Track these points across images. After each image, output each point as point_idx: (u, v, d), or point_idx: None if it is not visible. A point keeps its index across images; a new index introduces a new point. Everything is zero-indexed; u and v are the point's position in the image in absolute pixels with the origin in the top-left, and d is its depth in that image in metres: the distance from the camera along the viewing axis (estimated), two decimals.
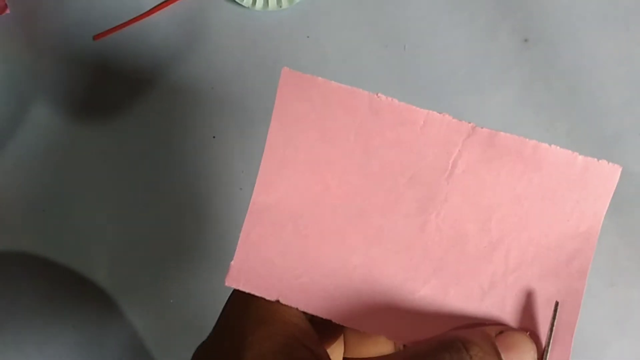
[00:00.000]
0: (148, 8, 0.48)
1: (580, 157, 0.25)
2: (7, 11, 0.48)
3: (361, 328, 0.25)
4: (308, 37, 0.48)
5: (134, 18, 0.48)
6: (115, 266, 0.47)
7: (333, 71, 0.47)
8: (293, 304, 0.25)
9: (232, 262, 0.26)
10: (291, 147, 0.25)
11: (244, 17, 0.48)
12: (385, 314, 0.25)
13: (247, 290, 0.26)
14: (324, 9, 0.48)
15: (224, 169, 0.47)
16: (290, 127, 0.25)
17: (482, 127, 0.25)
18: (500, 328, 0.24)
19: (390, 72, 0.47)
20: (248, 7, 0.47)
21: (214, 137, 0.47)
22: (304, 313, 0.26)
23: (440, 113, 0.25)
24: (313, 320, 0.26)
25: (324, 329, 0.26)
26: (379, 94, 0.25)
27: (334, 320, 0.26)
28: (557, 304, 0.25)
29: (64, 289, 0.47)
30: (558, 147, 0.25)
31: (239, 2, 0.47)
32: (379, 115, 0.25)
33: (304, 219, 0.25)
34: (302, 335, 0.24)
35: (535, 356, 0.24)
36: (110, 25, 0.48)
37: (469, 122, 0.25)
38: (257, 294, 0.26)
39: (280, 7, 0.47)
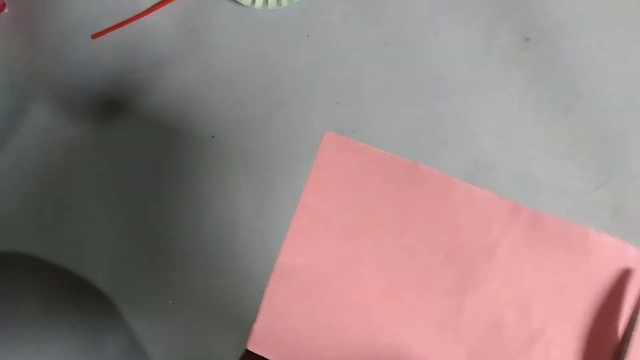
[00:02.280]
0: (147, 7, 0.47)
1: (633, 249, 0.23)
2: (6, 10, 0.47)
3: None
4: (308, 36, 0.47)
5: (133, 17, 0.47)
6: (114, 267, 0.47)
7: (333, 70, 0.47)
8: None
9: (255, 325, 0.25)
10: (325, 210, 0.24)
11: (243, 15, 0.48)
12: None
13: (269, 358, 0.24)
14: (323, 7, 0.47)
15: (224, 169, 0.47)
16: (326, 189, 0.24)
17: (526, 207, 0.24)
18: None
19: (391, 72, 0.47)
20: (247, 6, 0.47)
21: (213, 136, 0.47)
22: None
23: (481, 188, 0.24)
24: None
25: None
26: (419, 164, 0.24)
27: None
28: None
29: (63, 290, 0.47)
30: (608, 236, 0.23)
31: (238, 0, 0.47)
32: (417, 185, 0.24)
33: (333, 288, 0.24)
34: None
35: None
36: (109, 24, 0.48)
37: (512, 201, 0.24)
38: None
39: (280, 5, 0.47)
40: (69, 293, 0.47)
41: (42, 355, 0.47)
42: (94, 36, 0.48)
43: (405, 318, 0.24)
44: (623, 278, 0.23)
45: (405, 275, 0.24)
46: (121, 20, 0.47)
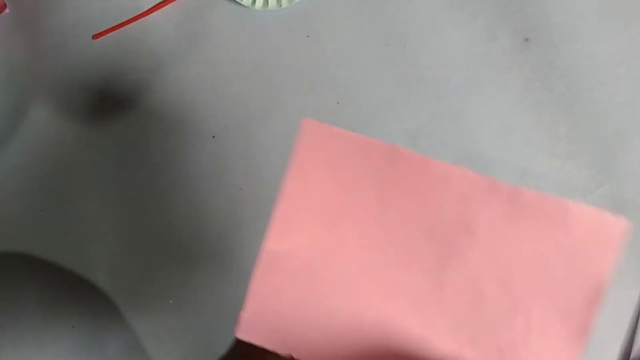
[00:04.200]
0: (147, 7, 0.48)
1: (611, 217, 0.23)
2: (7, 10, 0.47)
3: None
4: (308, 36, 0.48)
5: (134, 17, 0.48)
6: (114, 266, 0.47)
7: (333, 70, 0.47)
8: None
9: (243, 313, 0.25)
10: (307, 196, 0.25)
11: (243, 16, 0.48)
12: None
13: (259, 344, 0.25)
14: (324, 8, 0.47)
15: (224, 169, 0.47)
16: (307, 177, 0.25)
17: (502, 182, 0.24)
18: None
19: (391, 72, 0.47)
20: (248, 6, 0.47)
21: (213, 136, 0.47)
22: None
23: (459, 167, 0.24)
24: None
25: None
26: (397, 146, 0.25)
27: None
28: None
29: (64, 289, 0.47)
30: (584, 205, 0.23)
31: (238, 1, 0.47)
32: (396, 167, 0.24)
33: (318, 270, 0.25)
34: None
35: None
36: (109, 25, 0.48)
37: (488, 177, 0.24)
38: (269, 348, 0.25)
39: (280, 6, 0.47)
40: (70, 293, 0.47)
41: (43, 355, 0.47)
42: (95, 36, 0.48)
43: (389, 294, 0.25)
44: (601, 246, 0.24)
45: (387, 253, 0.25)
46: (122, 20, 0.48)
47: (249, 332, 0.25)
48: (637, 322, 0.24)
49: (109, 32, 0.48)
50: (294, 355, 0.25)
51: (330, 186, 0.25)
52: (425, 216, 0.24)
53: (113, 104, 0.48)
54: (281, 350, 0.25)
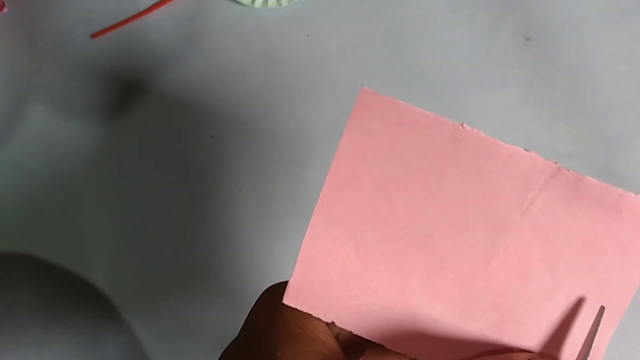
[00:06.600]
0: (146, 6, 0.47)
1: None
2: (5, 9, 0.47)
3: (413, 354, 0.25)
4: (308, 35, 0.47)
5: (133, 16, 0.47)
6: (114, 267, 0.47)
7: (333, 70, 0.47)
8: (347, 327, 0.25)
9: (291, 280, 0.25)
10: (360, 164, 0.25)
11: (243, 15, 0.47)
12: (438, 343, 0.25)
13: (304, 310, 0.25)
14: (323, 7, 0.47)
15: (224, 169, 0.47)
16: (361, 144, 0.24)
17: (568, 170, 0.24)
18: (527, 356, 0.24)
19: (391, 71, 0.47)
20: (247, 5, 0.47)
21: (212, 136, 0.47)
22: (331, 330, 0.26)
23: (526, 150, 0.24)
24: (338, 337, 0.26)
25: (349, 347, 0.26)
26: (464, 125, 0.24)
27: (386, 345, 0.25)
28: (602, 308, 0.25)
29: (63, 290, 0.47)
30: None
31: (238, 0, 0.47)
32: (460, 147, 0.24)
33: (366, 238, 0.25)
34: (330, 353, 0.24)
35: None
36: (108, 24, 0.47)
37: (555, 163, 0.24)
38: (314, 314, 0.25)
39: (280, 5, 0.47)
40: (69, 293, 0.47)
41: (42, 355, 0.47)
42: (94, 36, 0.48)
43: (436, 267, 0.25)
44: None
45: (439, 228, 0.25)
46: (121, 19, 0.47)
47: (295, 298, 0.25)
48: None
49: (108, 31, 0.47)
50: (336, 322, 0.25)
51: (385, 156, 0.25)
52: (483, 195, 0.24)
53: (112, 104, 0.48)
54: (325, 317, 0.25)
